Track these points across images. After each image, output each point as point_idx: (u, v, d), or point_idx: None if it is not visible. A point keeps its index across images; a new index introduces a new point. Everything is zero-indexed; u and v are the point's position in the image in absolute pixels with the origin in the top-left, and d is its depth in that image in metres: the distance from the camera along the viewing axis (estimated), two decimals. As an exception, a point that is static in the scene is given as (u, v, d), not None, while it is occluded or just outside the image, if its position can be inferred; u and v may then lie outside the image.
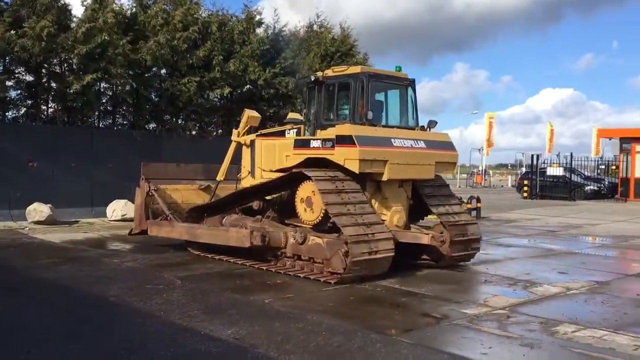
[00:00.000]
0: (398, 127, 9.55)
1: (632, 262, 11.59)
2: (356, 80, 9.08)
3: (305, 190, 8.81)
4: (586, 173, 34.05)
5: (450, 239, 9.40)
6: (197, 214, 11.00)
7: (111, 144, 17.07)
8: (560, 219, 19.80)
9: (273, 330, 5.96)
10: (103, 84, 17.53)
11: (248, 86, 20.53)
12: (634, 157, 29.71)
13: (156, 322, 6.23)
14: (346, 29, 24.41)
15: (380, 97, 9.71)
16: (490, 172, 63.22)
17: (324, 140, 8.91)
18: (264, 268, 9.22)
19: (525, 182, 31.39)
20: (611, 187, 32.12)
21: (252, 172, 10.75)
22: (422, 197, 9.77)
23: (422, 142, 9.29)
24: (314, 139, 9.16)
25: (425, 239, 9.07)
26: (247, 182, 10.79)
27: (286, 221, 9.62)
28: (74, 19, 16.40)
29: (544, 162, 32.52)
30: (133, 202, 14.92)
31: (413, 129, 9.70)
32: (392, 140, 8.88)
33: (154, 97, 18.93)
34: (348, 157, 8.49)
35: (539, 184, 31.25)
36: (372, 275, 8.35)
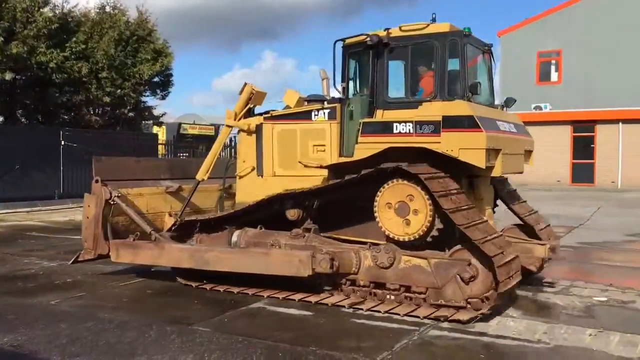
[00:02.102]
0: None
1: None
2: (445, 41, 6.82)
3: (396, 193, 6.45)
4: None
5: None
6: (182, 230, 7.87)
7: None
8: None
9: (58, 333, 5.53)
10: None
11: (36, 70, 18.71)
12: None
13: None
14: (144, 13, 23.49)
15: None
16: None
17: (419, 124, 6.72)
18: (327, 303, 6.61)
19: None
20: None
21: (258, 169, 7.98)
22: (499, 197, 8.04)
23: (513, 125, 7.42)
24: (398, 122, 6.86)
25: (541, 251, 7.33)
26: (252, 181, 8.00)
27: (322, 235, 7.22)
28: None
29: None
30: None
31: (495, 107, 7.75)
32: (498, 123, 6.97)
33: None
34: (465, 146, 6.44)
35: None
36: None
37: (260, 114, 8.11)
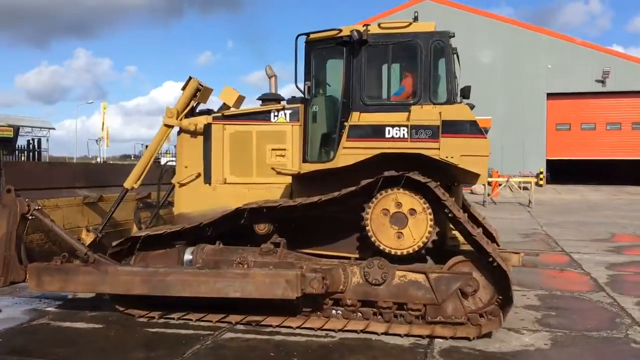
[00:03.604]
0: None
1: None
2: (430, 41, 6.30)
3: (392, 203, 5.91)
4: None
5: None
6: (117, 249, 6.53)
7: None
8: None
9: None
10: None
11: None
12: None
13: None
14: None
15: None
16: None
17: (415, 128, 6.13)
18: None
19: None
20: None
21: (206, 175, 7.02)
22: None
23: None
24: (391, 126, 6.22)
25: (515, 260, 7.19)
26: (197, 189, 7.00)
27: (298, 251, 6.51)
28: None
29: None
30: None
31: None
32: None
33: None
34: (467, 153, 5.99)
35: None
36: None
37: (204, 113, 7.26)
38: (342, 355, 5.21)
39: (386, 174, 5.92)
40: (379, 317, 6.01)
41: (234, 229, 6.49)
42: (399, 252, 5.94)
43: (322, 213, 6.31)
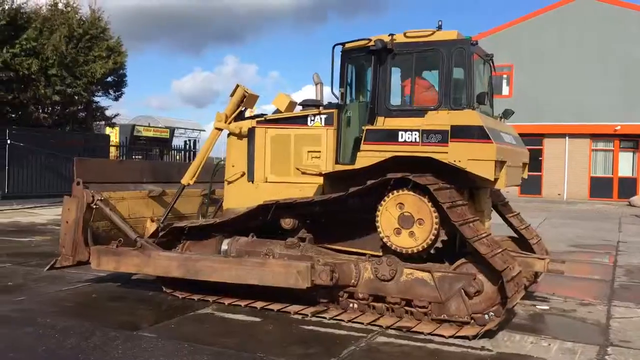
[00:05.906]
0: None
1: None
2: (452, 49, 6.59)
3: (400, 203, 6.21)
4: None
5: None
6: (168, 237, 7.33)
7: None
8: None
9: (-4, 338, 5.34)
10: None
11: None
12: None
13: None
14: (96, 10, 23.06)
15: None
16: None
17: (426, 133, 6.46)
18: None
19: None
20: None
21: (249, 174, 7.64)
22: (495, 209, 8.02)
23: (512, 137, 7.27)
24: (404, 130, 6.58)
25: (540, 266, 7.14)
26: (242, 187, 7.63)
27: (317, 245, 6.94)
28: None
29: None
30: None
31: (495, 118, 7.46)
32: (502, 135, 6.78)
33: None
34: (474, 157, 6.21)
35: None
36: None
37: (252, 117, 7.83)
38: (501, 371, 5.00)
39: (370, 182, 6.24)
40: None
41: (269, 223, 6.96)
42: (404, 251, 6.20)
43: (342, 210, 6.61)
